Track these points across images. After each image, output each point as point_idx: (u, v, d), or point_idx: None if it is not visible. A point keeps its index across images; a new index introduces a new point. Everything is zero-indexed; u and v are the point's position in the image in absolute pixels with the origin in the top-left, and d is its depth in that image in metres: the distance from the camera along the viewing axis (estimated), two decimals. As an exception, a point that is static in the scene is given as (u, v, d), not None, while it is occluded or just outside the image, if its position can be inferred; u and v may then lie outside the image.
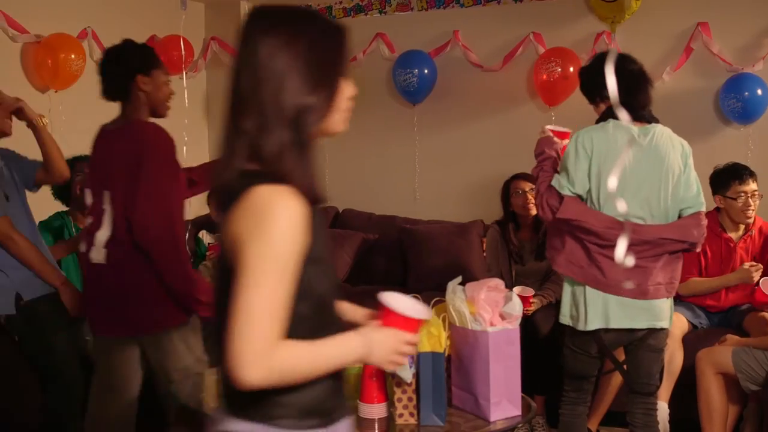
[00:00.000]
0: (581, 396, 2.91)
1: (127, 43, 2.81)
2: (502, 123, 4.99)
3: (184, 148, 5.03)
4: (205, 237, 4.88)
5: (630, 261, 2.49)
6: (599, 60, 2.83)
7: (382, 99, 5.27)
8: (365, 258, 4.82)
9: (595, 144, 2.67)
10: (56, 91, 4.36)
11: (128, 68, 2.74)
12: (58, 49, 4.27)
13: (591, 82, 2.84)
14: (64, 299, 3.09)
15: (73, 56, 4.31)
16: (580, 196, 2.72)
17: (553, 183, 2.74)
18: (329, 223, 5.19)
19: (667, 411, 3.45)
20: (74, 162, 3.69)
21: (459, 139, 5.07)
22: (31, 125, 3.14)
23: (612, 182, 2.63)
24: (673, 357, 3.53)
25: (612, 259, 2.67)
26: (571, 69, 4.62)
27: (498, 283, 2.41)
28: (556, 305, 3.94)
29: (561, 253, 2.74)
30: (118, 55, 2.79)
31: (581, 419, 2.93)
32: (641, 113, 2.74)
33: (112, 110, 4.76)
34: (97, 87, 4.60)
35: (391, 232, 4.89)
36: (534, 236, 4.13)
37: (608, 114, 2.75)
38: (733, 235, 3.79)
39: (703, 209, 2.81)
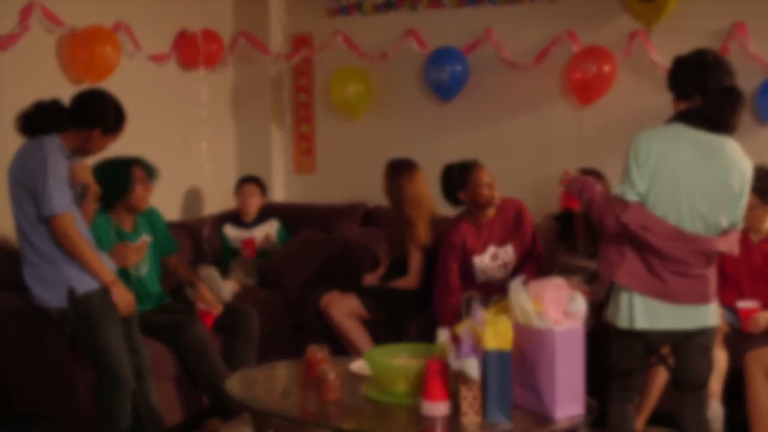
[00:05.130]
0: (628, 395, 2.86)
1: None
2: (534, 121, 4.98)
3: (204, 142, 5.08)
4: (229, 231, 4.86)
5: None
6: (700, 57, 2.71)
7: (412, 96, 5.25)
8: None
9: (653, 145, 2.60)
10: (91, 84, 4.34)
11: None
12: (94, 41, 4.24)
13: (684, 76, 2.71)
14: (114, 299, 3.07)
15: (108, 49, 4.29)
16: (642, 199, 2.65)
17: (617, 191, 2.65)
18: (358, 219, 5.16)
19: (722, 409, 3.42)
20: (131, 164, 3.70)
21: (490, 137, 5.05)
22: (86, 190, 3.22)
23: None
24: (717, 357, 3.51)
25: (674, 273, 2.62)
26: (606, 68, 4.61)
27: (561, 282, 2.41)
28: (597, 307, 3.92)
29: (621, 266, 2.66)
30: None
31: (629, 418, 2.88)
32: (726, 131, 2.66)
33: (144, 104, 4.79)
34: (130, 79, 4.64)
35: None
36: (589, 230, 4.10)
37: (681, 116, 2.66)
38: (753, 236, 3.76)
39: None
